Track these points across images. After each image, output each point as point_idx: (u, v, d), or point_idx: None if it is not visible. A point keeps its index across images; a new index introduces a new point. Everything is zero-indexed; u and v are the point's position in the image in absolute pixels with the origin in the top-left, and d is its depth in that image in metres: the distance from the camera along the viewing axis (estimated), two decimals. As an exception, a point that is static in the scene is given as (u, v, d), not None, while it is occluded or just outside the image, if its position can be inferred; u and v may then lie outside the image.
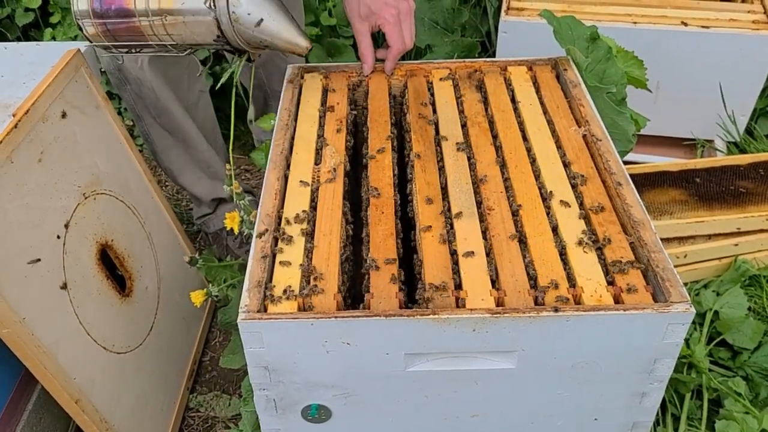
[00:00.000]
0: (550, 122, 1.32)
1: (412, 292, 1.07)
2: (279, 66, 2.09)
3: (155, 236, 1.74)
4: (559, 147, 1.26)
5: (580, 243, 1.07)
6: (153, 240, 1.72)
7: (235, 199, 1.41)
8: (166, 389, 1.75)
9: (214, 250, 2.25)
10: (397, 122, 1.41)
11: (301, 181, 1.21)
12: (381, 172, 1.23)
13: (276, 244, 1.09)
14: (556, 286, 1.00)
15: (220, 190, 2.08)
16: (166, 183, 2.62)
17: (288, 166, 1.24)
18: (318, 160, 1.26)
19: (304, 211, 1.14)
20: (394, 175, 1.23)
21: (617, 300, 0.99)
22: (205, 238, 2.33)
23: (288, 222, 1.12)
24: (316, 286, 1.01)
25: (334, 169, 1.23)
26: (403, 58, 1.48)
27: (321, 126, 1.34)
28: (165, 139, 1.96)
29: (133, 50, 1.34)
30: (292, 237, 1.09)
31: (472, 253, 1.06)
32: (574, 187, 1.18)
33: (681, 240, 1.93)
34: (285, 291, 1.01)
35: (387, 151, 1.28)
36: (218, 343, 2.04)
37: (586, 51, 1.44)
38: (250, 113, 2.47)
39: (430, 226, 1.12)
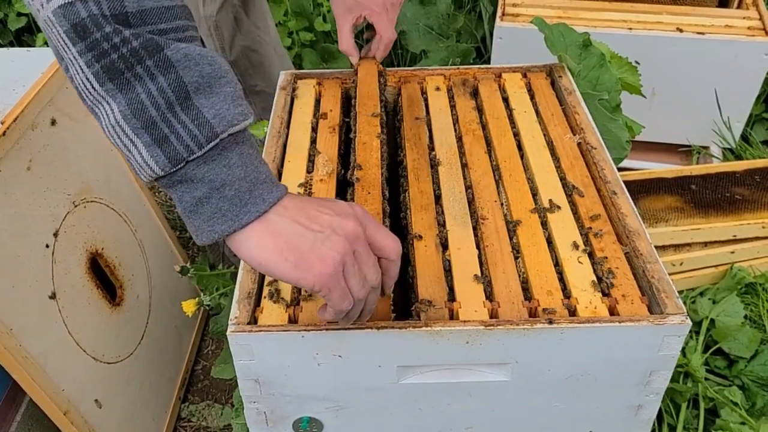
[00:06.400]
0: (544, 130, 1.31)
1: (404, 302, 1.06)
2: (252, 61, 2.01)
3: (147, 244, 1.72)
4: (553, 155, 1.25)
5: (574, 253, 1.05)
6: (144, 248, 1.71)
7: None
8: (158, 399, 1.73)
9: (208, 256, 2.23)
10: (390, 130, 1.39)
11: (295, 188, 1.19)
12: (372, 180, 1.22)
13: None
14: (551, 297, 0.99)
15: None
16: (159, 190, 2.61)
17: (280, 174, 1.23)
18: (311, 168, 1.25)
19: (295, 220, 1.13)
20: (383, 183, 1.22)
21: (612, 311, 0.97)
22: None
23: (279, 231, 1.11)
24: (309, 296, 1.00)
25: (327, 177, 1.22)
26: (398, 64, 1.47)
27: (314, 133, 1.33)
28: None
29: None
30: (283, 247, 1.08)
31: (465, 263, 1.05)
32: (568, 196, 1.16)
33: (677, 247, 1.92)
34: (276, 302, 0.99)
35: (378, 160, 1.26)
36: (211, 352, 2.02)
37: (578, 58, 1.43)
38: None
39: (423, 236, 1.10)
